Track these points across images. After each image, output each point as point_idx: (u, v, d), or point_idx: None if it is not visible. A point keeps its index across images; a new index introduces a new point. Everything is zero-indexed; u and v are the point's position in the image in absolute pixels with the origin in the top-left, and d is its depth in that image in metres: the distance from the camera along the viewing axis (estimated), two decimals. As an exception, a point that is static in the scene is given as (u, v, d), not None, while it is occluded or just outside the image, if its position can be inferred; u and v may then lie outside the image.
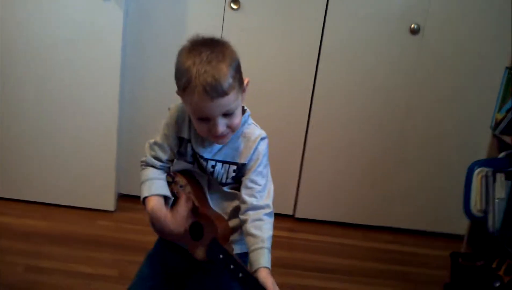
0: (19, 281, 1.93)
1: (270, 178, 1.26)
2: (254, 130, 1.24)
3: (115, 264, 2.09)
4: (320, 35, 2.38)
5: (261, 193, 1.22)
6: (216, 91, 1.09)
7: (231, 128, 1.16)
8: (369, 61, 2.41)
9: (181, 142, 1.27)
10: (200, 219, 1.24)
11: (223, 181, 1.24)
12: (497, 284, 1.88)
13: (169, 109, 1.28)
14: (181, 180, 1.27)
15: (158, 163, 1.29)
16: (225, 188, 1.26)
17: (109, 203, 2.49)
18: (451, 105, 2.48)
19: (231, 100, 1.12)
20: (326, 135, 2.51)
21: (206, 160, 1.23)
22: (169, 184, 1.29)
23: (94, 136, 2.39)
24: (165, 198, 1.27)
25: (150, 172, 1.29)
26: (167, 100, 2.53)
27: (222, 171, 1.23)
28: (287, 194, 2.62)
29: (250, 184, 1.21)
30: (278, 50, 2.41)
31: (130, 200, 2.57)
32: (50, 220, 2.37)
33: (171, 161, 1.30)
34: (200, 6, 2.36)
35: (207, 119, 1.13)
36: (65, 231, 2.29)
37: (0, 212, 2.38)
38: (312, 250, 2.40)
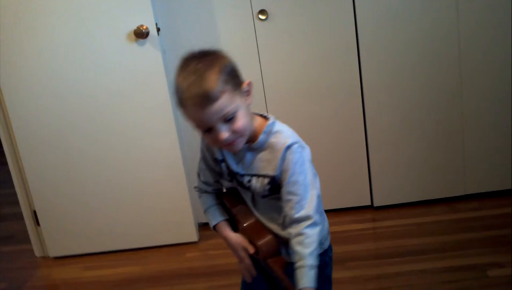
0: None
1: (310, 186, 1.19)
2: (280, 139, 1.21)
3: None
4: (354, 26, 2.36)
5: (300, 203, 1.17)
6: (205, 99, 1.09)
7: (237, 132, 1.15)
8: (411, 37, 2.36)
9: (216, 163, 1.30)
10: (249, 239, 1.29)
11: (263, 194, 1.24)
12: None
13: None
14: (226, 203, 1.35)
15: (208, 188, 1.36)
16: (268, 199, 1.25)
17: (192, 235, 2.55)
18: (503, 64, 2.38)
19: (224, 105, 1.11)
20: (385, 119, 2.48)
21: (242, 175, 1.25)
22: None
23: (163, 175, 2.47)
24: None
25: (205, 199, 1.38)
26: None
27: (258, 184, 1.23)
28: (361, 185, 2.60)
29: (287, 196, 1.18)
30: (316, 49, 2.40)
31: (209, 228, 2.62)
32: (143, 263, 2.46)
33: (219, 182, 1.35)
34: (230, 24, 2.40)
35: (210, 129, 1.14)
36: (158, 271, 2.38)
37: (97, 265, 2.50)
38: (399, 235, 2.36)
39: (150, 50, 2.27)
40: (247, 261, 1.32)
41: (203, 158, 1.33)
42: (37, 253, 2.66)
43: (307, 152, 1.21)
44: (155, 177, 2.47)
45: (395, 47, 2.38)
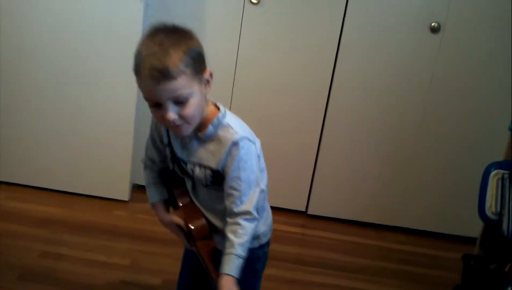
0: (34, 266, 1.98)
1: (253, 183, 1.19)
2: (227, 133, 1.19)
3: (129, 254, 2.13)
4: (340, 30, 2.37)
5: (240, 199, 1.17)
6: (162, 75, 1.06)
7: (184, 118, 1.12)
8: (388, 58, 2.40)
9: (163, 144, 1.29)
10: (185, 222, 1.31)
11: (205, 183, 1.24)
12: (510, 289, 1.87)
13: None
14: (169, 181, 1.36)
15: (153, 165, 1.36)
16: (208, 189, 1.25)
17: (124, 193, 2.52)
18: (469, 105, 2.45)
19: (180, 86, 1.08)
20: (342, 132, 2.51)
21: (185, 162, 1.25)
22: None
23: (112, 128, 2.43)
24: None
25: (147, 175, 1.39)
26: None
27: (201, 174, 1.22)
28: (300, 190, 2.63)
29: (229, 190, 1.18)
30: (297, 44, 2.41)
31: (144, 191, 2.60)
32: (66, 207, 2.41)
33: (165, 161, 1.33)
34: (220, 0, 2.38)
35: (159, 105, 1.11)
36: (80, 220, 2.34)
37: (17, 198, 2.44)
38: (323, 247, 2.41)
39: (134, 1, 2.23)
40: (182, 236, 1.35)
41: (151, 136, 1.31)
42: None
43: (255, 147, 1.21)
44: (104, 127, 2.43)
45: (371, 65, 2.42)
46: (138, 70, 1.10)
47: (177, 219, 1.32)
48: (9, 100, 2.40)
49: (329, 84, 2.45)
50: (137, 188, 2.59)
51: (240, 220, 1.17)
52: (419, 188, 2.57)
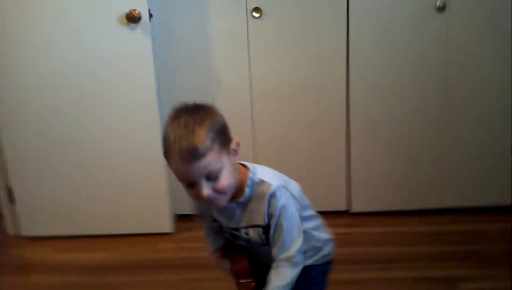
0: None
1: (295, 229, 1.24)
2: (263, 188, 1.23)
3: (180, 284, 2.14)
4: (346, 28, 2.36)
5: (284, 246, 1.23)
6: (192, 155, 1.10)
7: (218, 191, 1.16)
8: (399, 44, 2.37)
9: (210, 219, 1.37)
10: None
11: (261, 242, 1.28)
12: None
13: None
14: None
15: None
16: (267, 247, 1.29)
17: (167, 226, 2.54)
18: (488, 74, 2.40)
19: (210, 163, 1.12)
20: (368, 125, 2.49)
21: (237, 229, 1.29)
22: None
23: (142, 163, 2.45)
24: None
25: (206, 228, 1.45)
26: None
27: (255, 235, 1.27)
28: (338, 190, 2.61)
29: (274, 239, 1.24)
30: (306, 51, 2.41)
31: (187, 220, 2.62)
32: (111, 251, 2.44)
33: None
34: (223, 19, 2.39)
35: (193, 184, 1.15)
36: (127, 260, 2.36)
37: (63, 249, 2.48)
38: (371, 243, 2.38)
39: (140, 36, 2.25)
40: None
41: (199, 209, 1.39)
42: (10, 231, 2.63)
43: (290, 192, 1.26)
44: (134, 164, 2.46)
45: (383, 56, 2.39)
46: (168, 153, 1.14)
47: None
48: (43, 154, 2.46)
49: (345, 81, 2.44)
50: (179, 218, 2.60)
51: (283, 262, 1.23)
52: (455, 165, 2.52)
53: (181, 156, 1.11)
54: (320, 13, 2.36)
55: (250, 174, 1.24)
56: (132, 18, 2.20)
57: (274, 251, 1.24)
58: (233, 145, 1.20)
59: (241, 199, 1.24)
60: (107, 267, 2.30)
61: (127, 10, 2.20)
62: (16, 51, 2.33)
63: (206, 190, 1.14)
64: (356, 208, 2.62)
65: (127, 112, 2.39)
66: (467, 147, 2.50)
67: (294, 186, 1.31)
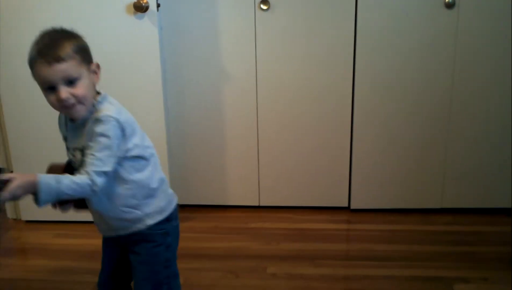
0: (91, 299, 2.01)
1: (107, 155, 1.28)
2: (95, 114, 1.30)
3: (180, 273, 2.14)
4: (354, 24, 2.37)
5: (90, 162, 1.27)
6: (52, 56, 1.23)
7: (76, 97, 1.26)
8: (408, 42, 2.38)
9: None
10: None
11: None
12: None
13: None
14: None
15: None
16: None
17: (166, 215, 2.55)
18: (498, 75, 2.40)
19: (69, 68, 1.24)
20: (373, 123, 2.50)
21: (71, 149, 1.39)
22: None
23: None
24: None
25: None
26: (210, 106, 2.62)
27: (79, 157, 1.34)
28: (339, 186, 2.62)
29: (86, 157, 1.29)
30: (313, 45, 2.42)
31: (186, 210, 2.64)
32: (113, 237, 2.45)
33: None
34: (230, 10, 2.39)
35: (53, 88, 1.25)
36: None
37: (64, 234, 2.50)
38: (371, 240, 2.39)
39: (147, 25, 2.26)
40: None
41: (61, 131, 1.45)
42: (10, 214, 2.64)
43: (120, 126, 1.34)
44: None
45: (392, 55, 2.40)
46: (32, 61, 1.25)
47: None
48: (46, 140, 2.47)
49: (351, 77, 2.44)
50: (181, 208, 2.61)
51: (82, 173, 1.26)
52: (458, 167, 2.53)
53: (45, 60, 1.23)
54: (328, 6, 2.36)
55: (97, 99, 1.34)
56: (140, 8, 2.20)
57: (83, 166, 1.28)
58: (93, 66, 1.34)
59: (79, 121, 1.32)
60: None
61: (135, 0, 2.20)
62: (20, 41, 2.32)
63: (64, 92, 1.25)
64: (356, 204, 2.63)
65: (132, 102, 2.35)
66: (471, 147, 2.50)
67: (131, 124, 1.42)
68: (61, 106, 1.28)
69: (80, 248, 2.37)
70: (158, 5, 2.26)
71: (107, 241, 1.57)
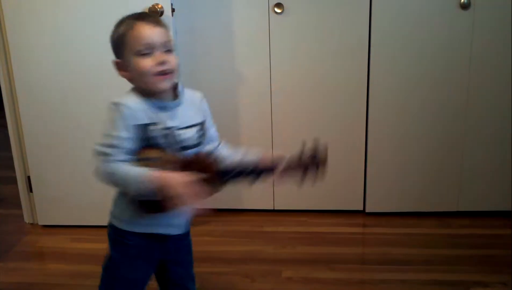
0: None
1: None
2: (191, 93, 1.42)
3: (195, 276, 2.15)
4: (368, 25, 2.36)
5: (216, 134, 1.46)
6: (156, 20, 1.28)
7: (170, 65, 1.26)
8: (423, 42, 2.36)
9: (141, 130, 1.25)
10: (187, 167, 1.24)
11: (193, 143, 1.34)
12: None
13: (115, 104, 1.30)
14: (150, 153, 1.26)
15: (128, 157, 1.24)
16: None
17: (182, 219, 2.56)
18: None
19: (169, 35, 1.28)
20: (387, 124, 2.48)
21: (176, 129, 1.29)
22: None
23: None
24: None
25: (124, 166, 1.23)
26: (225, 109, 2.62)
27: (192, 134, 1.33)
28: (355, 189, 2.60)
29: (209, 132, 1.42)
30: (328, 47, 2.41)
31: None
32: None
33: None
34: (245, 14, 2.40)
35: (150, 53, 1.25)
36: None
37: (79, 239, 2.51)
38: (387, 243, 2.37)
39: (162, 30, 2.27)
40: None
41: (125, 126, 1.25)
42: (27, 219, 2.67)
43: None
44: (152, 158, 2.47)
45: (406, 55, 2.38)
46: (127, 29, 1.27)
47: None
48: (63, 145, 2.49)
49: (366, 79, 2.43)
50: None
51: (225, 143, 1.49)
52: (475, 168, 2.51)
53: (149, 22, 1.26)
54: (342, 9, 2.35)
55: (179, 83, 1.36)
56: (155, 12, 2.21)
57: (214, 138, 1.43)
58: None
59: (180, 99, 1.34)
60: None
61: (149, 5, 2.21)
62: (39, 43, 2.35)
63: (163, 55, 1.25)
64: (372, 208, 2.61)
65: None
66: (488, 149, 2.48)
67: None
68: (158, 71, 1.25)
69: (97, 252, 2.37)
70: (173, 10, 2.27)
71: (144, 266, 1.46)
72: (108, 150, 1.25)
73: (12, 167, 2.60)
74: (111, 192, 2.59)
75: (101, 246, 2.42)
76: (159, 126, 1.26)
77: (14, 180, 2.64)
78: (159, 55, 1.25)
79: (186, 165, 1.24)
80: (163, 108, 1.29)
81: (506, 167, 2.49)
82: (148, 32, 1.25)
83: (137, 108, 1.26)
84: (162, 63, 1.25)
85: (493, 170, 2.50)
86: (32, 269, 2.29)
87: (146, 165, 1.22)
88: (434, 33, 2.35)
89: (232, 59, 2.46)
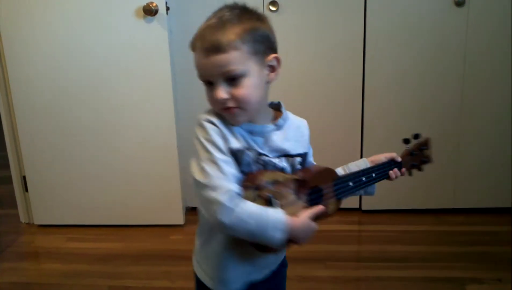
0: (103, 302, 2.02)
1: None
2: (296, 119, 1.23)
3: (191, 276, 2.14)
4: (363, 23, 2.36)
5: None
6: (212, 44, 1.00)
7: (236, 99, 1.02)
8: (417, 40, 2.37)
9: (234, 156, 1.05)
10: (307, 186, 1.14)
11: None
12: None
13: (207, 121, 1.06)
14: (263, 177, 1.06)
15: (236, 186, 1.02)
16: None
17: (178, 218, 2.56)
18: (509, 77, 2.38)
19: (230, 62, 0.99)
20: (383, 123, 2.49)
21: (269, 157, 1.09)
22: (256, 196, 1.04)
23: (156, 154, 2.46)
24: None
25: (250, 205, 1.00)
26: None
27: (288, 165, 1.13)
28: (350, 187, 2.60)
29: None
30: (323, 46, 2.41)
31: (197, 213, 2.64)
32: (124, 241, 2.46)
33: None
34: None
35: (211, 84, 1.03)
36: (140, 250, 2.38)
37: (76, 238, 2.51)
38: (383, 241, 2.38)
39: (157, 28, 2.26)
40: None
41: (219, 149, 1.03)
42: (23, 219, 2.66)
43: None
44: (148, 156, 2.47)
45: (401, 53, 2.39)
46: (193, 43, 1.05)
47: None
48: (58, 144, 2.48)
49: (361, 77, 2.43)
50: (190, 211, 2.62)
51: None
52: (470, 165, 2.51)
53: (202, 46, 1.02)
54: (337, 7, 2.35)
55: (283, 107, 1.19)
56: (149, 11, 2.21)
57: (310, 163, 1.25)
58: (270, 58, 1.07)
59: (279, 123, 1.14)
60: (118, 257, 2.32)
61: (144, 3, 2.21)
62: (33, 43, 2.34)
63: (221, 92, 1.01)
64: (368, 205, 2.62)
65: (142, 104, 2.40)
66: (483, 146, 2.49)
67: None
68: (218, 107, 1.04)
69: (92, 251, 2.38)
70: (168, 8, 2.27)
71: None
72: (215, 181, 1.00)
73: (7, 167, 2.60)
74: (105, 191, 2.62)
75: (97, 245, 2.43)
76: (252, 152, 1.06)
77: (9, 180, 2.64)
78: (216, 91, 1.02)
79: (302, 185, 1.12)
80: (256, 133, 1.09)
81: (501, 164, 2.49)
82: (202, 63, 1.03)
83: (227, 128, 1.05)
84: (217, 101, 1.03)
85: (488, 167, 2.51)
86: (28, 269, 2.29)
87: (260, 195, 1.03)
88: (429, 30, 2.35)
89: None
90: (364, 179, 1.30)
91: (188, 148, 2.63)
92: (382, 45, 2.38)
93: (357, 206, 2.63)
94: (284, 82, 2.47)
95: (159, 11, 2.23)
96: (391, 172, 1.36)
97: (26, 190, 2.58)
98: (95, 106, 2.41)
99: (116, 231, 2.54)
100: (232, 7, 1.06)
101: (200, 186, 1.01)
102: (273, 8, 2.35)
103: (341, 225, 2.53)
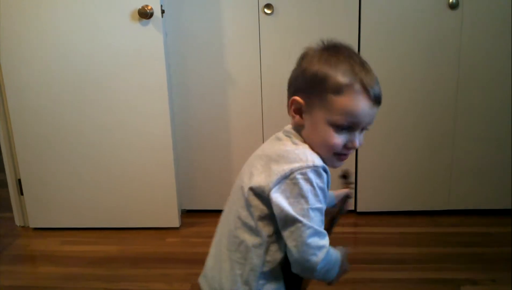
0: (100, 305, 2.02)
1: None
2: None
3: (187, 278, 2.15)
4: (357, 26, 2.37)
5: None
6: (380, 97, 1.05)
7: (354, 148, 1.08)
8: (411, 43, 2.38)
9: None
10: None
11: None
12: None
13: (323, 170, 1.05)
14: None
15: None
16: None
17: (174, 221, 2.56)
18: (503, 74, 2.40)
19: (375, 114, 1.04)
20: (377, 125, 2.48)
21: None
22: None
23: (151, 158, 2.46)
24: None
25: (333, 250, 1.11)
26: (216, 111, 2.61)
27: None
28: (345, 189, 2.61)
29: None
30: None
31: (193, 215, 2.65)
32: (120, 243, 2.46)
33: None
34: (235, 15, 2.40)
35: (349, 129, 1.04)
36: (136, 252, 2.38)
37: (72, 241, 2.50)
38: (378, 243, 2.38)
39: (152, 31, 2.27)
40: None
41: (319, 200, 1.05)
42: (18, 222, 2.66)
43: None
44: (144, 159, 2.47)
45: (395, 55, 2.40)
46: (348, 89, 1.04)
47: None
48: (53, 147, 2.48)
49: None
50: (185, 213, 2.63)
51: None
52: (465, 167, 2.53)
53: (372, 98, 1.04)
54: (332, 10, 2.36)
55: None
56: (145, 14, 2.21)
57: None
58: None
59: None
60: (114, 260, 2.32)
61: (139, 6, 2.21)
62: (28, 46, 2.34)
63: (357, 141, 1.06)
64: (363, 207, 2.62)
65: (138, 107, 2.40)
66: (477, 147, 2.50)
67: None
68: (342, 153, 1.07)
69: (88, 254, 2.38)
70: (163, 12, 2.27)
71: None
72: (325, 233, 1.05)
73: (2, 170, 2.60)
74: (100, 194, 2.61)
75: (92, 248, 2.43)
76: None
77: (4, 183, 2.63)
78: (356, 140, 1.05)
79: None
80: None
81: (496, 165, 2.51)
82: (365, 111, 1.03)
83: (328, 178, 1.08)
84: (352, 148, 1.06)
85: (482, 169, 2.52)
86: (24, 272, 2.28)
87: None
88: (422, 33, 2.36)
89: (222, 60, 2.47)
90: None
91: (184, 150, 2.64)
92: (376, 47, 2.39)
93: (352, 208, 2.64)
94: (280, 86, 2.48)
95: (155, 14, 2.23)
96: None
97: (22, 193, 2.58)
98: (90, 109, 2.41)
99: (112, 234, 2.54)
100: (345, 47, 1.17)
101: (302, 226, 1.01)
102: (268, 11, 2.36)
103: (337, 227, 2.52)
